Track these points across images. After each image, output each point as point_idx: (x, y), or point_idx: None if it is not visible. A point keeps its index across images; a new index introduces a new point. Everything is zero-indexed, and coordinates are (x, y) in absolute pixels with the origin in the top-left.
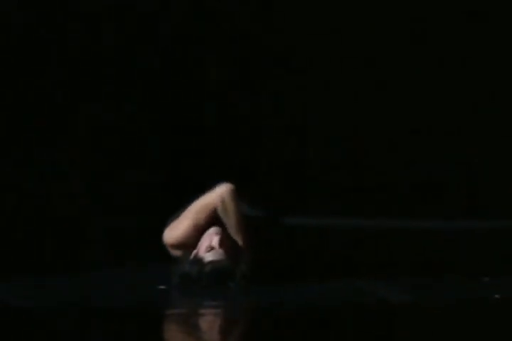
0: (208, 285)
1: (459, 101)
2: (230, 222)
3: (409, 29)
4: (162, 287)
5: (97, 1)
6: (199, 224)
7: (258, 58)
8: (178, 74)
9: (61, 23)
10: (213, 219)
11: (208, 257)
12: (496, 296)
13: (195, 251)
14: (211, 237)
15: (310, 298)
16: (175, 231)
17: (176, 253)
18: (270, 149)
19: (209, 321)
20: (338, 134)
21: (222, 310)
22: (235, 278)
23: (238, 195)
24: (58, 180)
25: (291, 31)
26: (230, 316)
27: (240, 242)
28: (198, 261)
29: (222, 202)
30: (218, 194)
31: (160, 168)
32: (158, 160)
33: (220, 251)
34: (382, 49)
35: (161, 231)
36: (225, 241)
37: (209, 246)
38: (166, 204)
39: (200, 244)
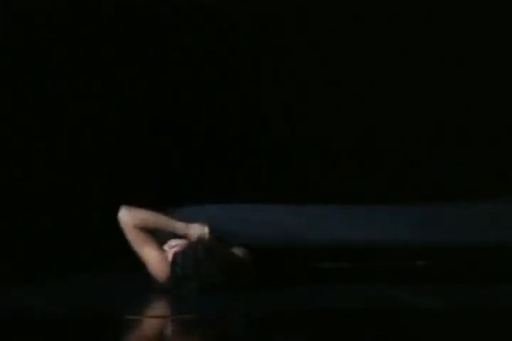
0: (210, 269)
1: (459, 102)
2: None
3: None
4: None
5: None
6: (158, 247)
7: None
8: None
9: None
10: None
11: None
12: None
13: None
14: (170, 246)
15: (333, 301)
16: (158, 272)
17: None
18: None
19: (205, 326)
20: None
21: (217, 317)
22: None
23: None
24: (61, 180)
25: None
26: (226, 322)
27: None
28: (184, 255)
29: (127, 221)
30: (121, 219)
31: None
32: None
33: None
34: (369, 49)
35: None
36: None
37: (172, 247)
38: (166, 204)
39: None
